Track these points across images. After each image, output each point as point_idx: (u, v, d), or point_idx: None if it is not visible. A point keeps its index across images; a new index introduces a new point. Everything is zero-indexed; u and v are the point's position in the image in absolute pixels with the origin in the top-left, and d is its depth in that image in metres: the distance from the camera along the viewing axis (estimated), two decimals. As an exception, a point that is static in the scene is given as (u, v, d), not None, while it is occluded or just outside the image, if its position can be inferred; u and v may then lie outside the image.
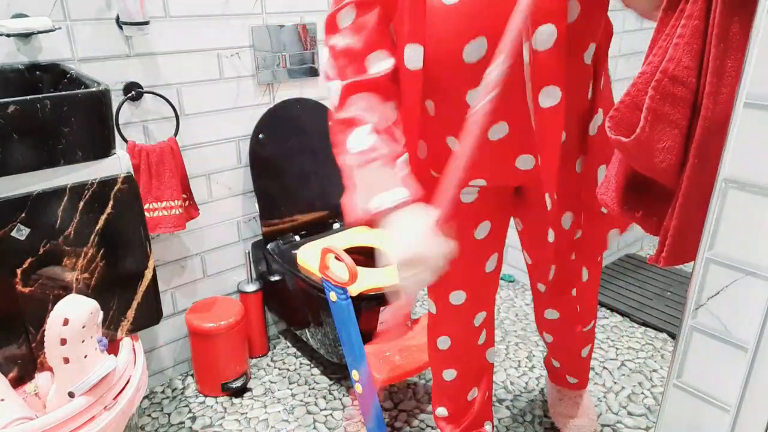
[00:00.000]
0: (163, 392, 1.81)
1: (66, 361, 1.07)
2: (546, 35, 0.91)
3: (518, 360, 1.94)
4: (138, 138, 1.58)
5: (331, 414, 1.70)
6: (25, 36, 1.34)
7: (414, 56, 0.95)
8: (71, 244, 1.16)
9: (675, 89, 1.00)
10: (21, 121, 1.04)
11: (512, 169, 1.09)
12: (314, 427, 1.65)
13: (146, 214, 1.47)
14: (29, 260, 1.12)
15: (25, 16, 1.33)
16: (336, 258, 1.49)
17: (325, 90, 1.95)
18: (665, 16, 1.03)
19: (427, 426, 1.65)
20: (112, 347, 1.26)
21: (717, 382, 0.94)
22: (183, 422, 1.68)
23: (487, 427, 1.45)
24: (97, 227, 1.19)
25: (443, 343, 1.32)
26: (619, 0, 0.96)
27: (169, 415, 1.72)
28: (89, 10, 1.43)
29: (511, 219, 1.31)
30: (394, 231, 0.88)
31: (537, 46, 0.91)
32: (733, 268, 0.89)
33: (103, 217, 1.19)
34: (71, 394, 1.07)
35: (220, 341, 1.70)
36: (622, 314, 2.18)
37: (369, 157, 0.92)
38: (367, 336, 1.59)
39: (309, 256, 1.67)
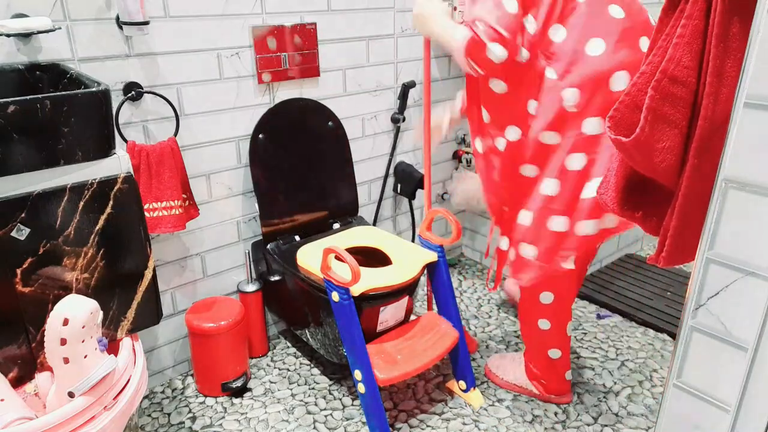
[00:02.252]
0: (163, 392, 1.81)
1: (66, 361, 1.07)
2: None
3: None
4: (138, 138, 1.58)
5: (331, 414, 1.70)
6: (25, 36, 1.34)
7: None
8: (71, 244, 1.16)
9: (675, 89, 1.00)
10: (21, 121, 1.03)
11: None
12: (314, 427, 1.65)
13: (146, 214, 1.47)
14: (29, 260, 1.12)
15: (25, 16, 1.33)
16: (337, 258, 1.49)
17: (324, 89, 1.95)
18: (665, 16, 1.03)
19: (427, 426, 1.65)
20: (112, 347, 1.26)
21: (717, 382, 0.94)
22: (183, 422, 1.68)
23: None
24: (97, 227, 1.19)
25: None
26: None
27: (169, 415, 1.72)
28: (89, 10, 1.43)
29: None
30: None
31: None
32: (733, 268, 0.89)
33: (103, 217, 1.19)
34: (71, 394, 1.07)
35: (220, 341, 1.71)
36: (622, 314, 2.18)
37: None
38: (369, 335, 1.59)
39: (309, 256, 1.67)
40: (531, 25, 1.30)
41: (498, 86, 1.40)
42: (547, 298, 1.58)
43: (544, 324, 1.62)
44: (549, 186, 1.40)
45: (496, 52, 1.27)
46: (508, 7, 1.26)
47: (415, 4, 1.47)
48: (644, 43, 1.29)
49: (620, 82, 1.28)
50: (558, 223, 1.40)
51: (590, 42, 1.29)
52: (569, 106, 1.32)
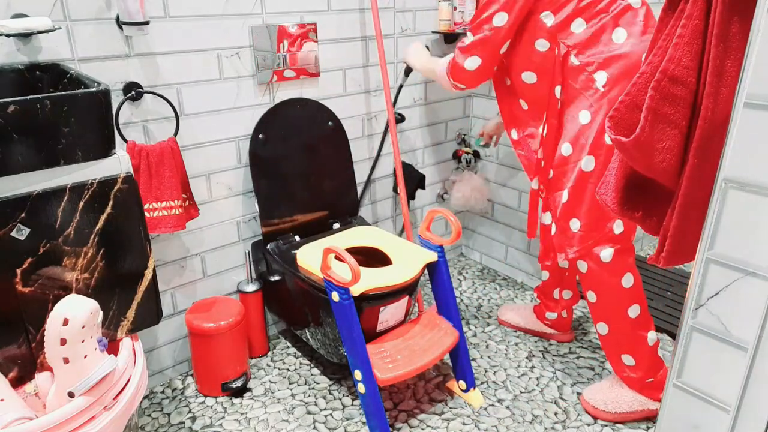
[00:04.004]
0: (163, 392, 1.81)
1: (66, 361, 1.07)
2: None
3: (518, 360, 1.94)
4: (138, 138, 1.58)
5: (331, 414, 1.70)
6: (25, 36, 1.34)
7: None
8: (71, 244, 1.16)
9: (675, 89, 1.00)
10: (21, 121, 1.04)
11: None
12: (314, 427, 1.65)
13: (146, 214, 1.47)
14: (29, 260, 1.12)
15: (25, 16, 1.33)
16: (337, 258, 1.49)
17: (324, 89, 1.95)
18: (665, 16, 1.03)
19: (427, 426, 1.65)
20: (112, 347, 1.26)
21: (717, 382, 0.94)
22: (183, 422, 1.68)
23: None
24: (97, 227, 1.19)
25: None
26: None
27: (169, 415, 1.72)
28: (89, 10, 1.43)
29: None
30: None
31: None
32: (733, 268, 0.89)
33: (103, 217, 1.19)
34: (71, 394, 1.07)
35: (220, 341, 1.71)
36: (622, 314, 2.18)
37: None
38: (369, 335, 1.59)
39: (309, 256, 1.67)
40: (549, 19, 1.50)
41: (530, 78, 1.60)
42: (629, 280, 1.54)
43: (634, 310, 1.56)
44: (587, 163, 1.51)
45: (469, 64, 1.58)
46: (496, 21, 1.52)
47: (406, 52, 1.95)
48: None
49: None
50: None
51: (616, 31, 1.46)
52: (600, 86, 1.46)
